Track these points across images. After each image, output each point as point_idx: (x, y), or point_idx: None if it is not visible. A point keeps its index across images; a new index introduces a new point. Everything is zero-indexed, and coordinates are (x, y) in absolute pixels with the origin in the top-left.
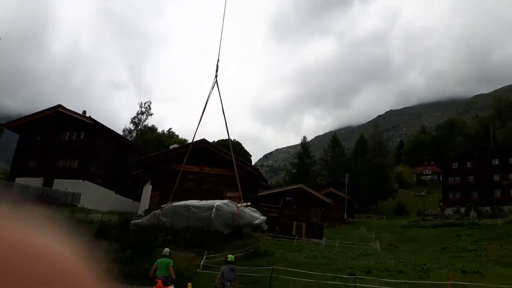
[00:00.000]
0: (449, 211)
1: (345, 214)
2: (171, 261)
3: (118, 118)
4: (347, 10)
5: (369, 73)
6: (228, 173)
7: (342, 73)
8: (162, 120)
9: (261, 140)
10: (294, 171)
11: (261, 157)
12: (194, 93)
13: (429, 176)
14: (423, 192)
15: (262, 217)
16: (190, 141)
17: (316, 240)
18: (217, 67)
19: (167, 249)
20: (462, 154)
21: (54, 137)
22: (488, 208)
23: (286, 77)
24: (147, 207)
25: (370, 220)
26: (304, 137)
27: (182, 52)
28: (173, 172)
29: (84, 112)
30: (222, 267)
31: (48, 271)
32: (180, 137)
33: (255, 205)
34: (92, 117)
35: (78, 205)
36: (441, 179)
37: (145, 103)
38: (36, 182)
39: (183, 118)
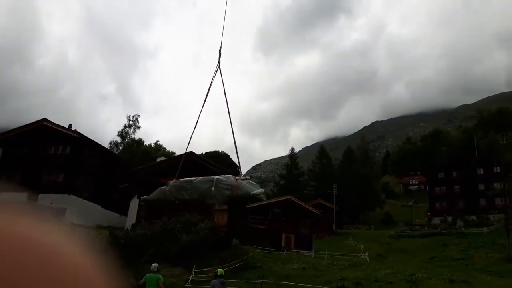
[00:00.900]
0: (436, 220)
1: (334, 225)
2: (161, 276)
3: (105, 131)
4: (333, 24)
5: (355, 84)
6: None
7: (328, 85)
8: (149, 133)
9: (250, 151)
10: (282, 182)
11: (250, 168)
12: (182, 106)
13: (416, 186)
14: (411, 202)
15: (260, 189)
16: (177, 153)
17: (305, 252)
18: (220, 53)
19: (155, 264)
20: (447, 164)
21: (39, 151)
22: (474, 217)
23: (273, 89)
24: (134, 221)
25: (359, 230)
26: (292, 149)
27: (170, 65)
28: (161, 186)
29: (70, 125)
30: (213, 281)
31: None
32: (167, 149)
33: (244, 216)
34: (78, 130)
35: (63, 220)
36: (427, 189)
37: (132, 116)
38: (20, 197)
39: (171, 130)
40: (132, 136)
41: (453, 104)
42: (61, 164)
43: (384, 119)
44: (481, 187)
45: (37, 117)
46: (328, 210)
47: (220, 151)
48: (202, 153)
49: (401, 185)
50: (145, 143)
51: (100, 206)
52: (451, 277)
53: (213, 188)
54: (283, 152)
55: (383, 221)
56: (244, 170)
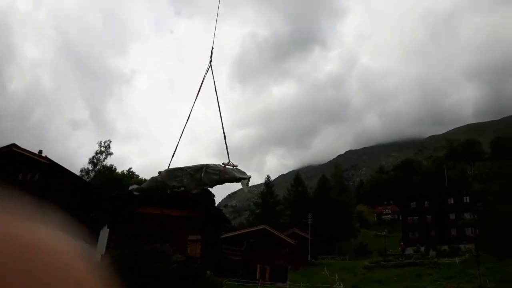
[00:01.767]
0: (409, 250)
1: (309, 256)
2: None
3: (76, 157)
4: (307, 55)
5: (329, 114)
6: (191, 215)
7: (303, 114)
8: (122, 159)
9: None
10: (258, 211)
11: (225, 197)
12: (156, 132)
13: (389, 216)
14: (384, 232)
15: (247, 175)
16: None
17: (280, 284)
18: (211, 53)
19: None
20: (419, 194)
21: (7, 177)
22: (446, 247)
23: (250, 117)
24: (103, 252)
25: (334, 261)
26: (268, 177)
27: (146, 90)
28: (132, 215)
29: (40, 151)
30: None
31: None
32: (140, 177)
33: (218, 247)
34: (49, 156)
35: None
36: (400, 218)
37: (104, 142)
38: None
39: (144, 157)
40: (104, 162)
41: (424, 134)
42: (30, 191)
43: (357, 148)
44: (452, 216)
45: (5, 143)
46: (304, 239)
47: None
48: None
49: (375, 215)
50: (117, 170)
51: (69, 235)
52: None
53: (202, 174)
54: (259, 180)
55: (358, 251)
56: (219, 198)
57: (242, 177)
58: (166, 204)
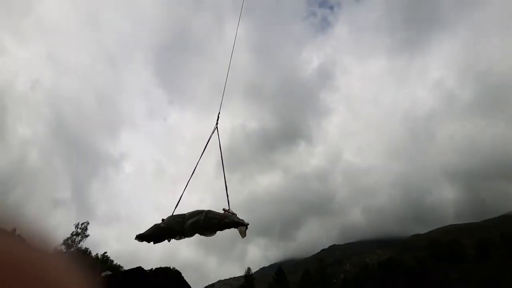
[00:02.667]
0: None
1: None
2: None
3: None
4: (294, 148)
5: (314, 207)
6: None
7: (288, 205)
8: (99, 242)
9: (204, 268)
10: None
11: None
12: (136, 218)
13: None
14: None
15: (246, 222)
16: (125, 268)
17: None
18: (218, 117)
19: None
20: None
21: None
22: None
23: (234, 205)
24: None
25: None
26: (249, 269)
27: (132, 175)
28: None
29: (14, 229)
30: None
31: None
32: (115, 262)
33: None
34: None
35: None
36: None
37: (81, 224)
38: None
39: (121, 242)
40: (79, 245)
41: (407, 232)
42: None
43: (342, 243)
44: None
45: None
46: None
47: (171, 267)
48: (152, 268)
49: None
50: (92, 254)
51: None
52: None
53: (202, 218)
54: (239, 271)
55: None
56: None
57: (241, 223)
58: None
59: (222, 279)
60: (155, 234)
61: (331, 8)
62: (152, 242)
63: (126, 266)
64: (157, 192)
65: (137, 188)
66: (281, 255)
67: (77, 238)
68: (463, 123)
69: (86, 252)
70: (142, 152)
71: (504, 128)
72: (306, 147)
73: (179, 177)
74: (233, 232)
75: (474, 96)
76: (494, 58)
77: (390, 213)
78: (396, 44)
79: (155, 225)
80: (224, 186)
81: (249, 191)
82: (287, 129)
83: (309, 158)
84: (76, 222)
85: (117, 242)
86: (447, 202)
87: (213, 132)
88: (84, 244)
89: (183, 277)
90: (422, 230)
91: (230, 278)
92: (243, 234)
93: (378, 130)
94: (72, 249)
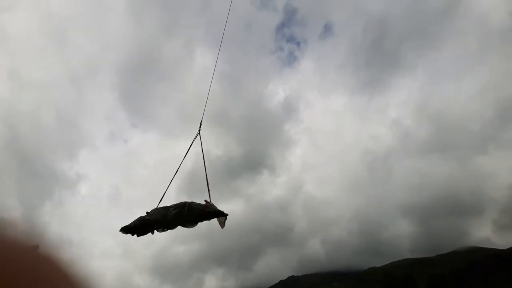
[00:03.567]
0: None
1: None
2: None
3: None
4: (257, 177)
5: (274, 237)
6: None
7: (248, 234)
8: None
9: None
10: None
11: None
12: (88, 243)
13: None
14: None
15: (225, 213)
16: None
17: None
18: (200, 124)
19: None
20: None
21: None
22: None
23: (193, 233)
24: None
25: None
26: None
27: (88, 197)
28: None
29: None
30: None
31: None
32: None
33: None
34: None
35: None
36: None
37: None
38: None
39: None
40: None
41: (364, 265)
42: None
43: (300, 274)
44: None
45: None
46: None
47: None
48: None
49: None
50: None
51: None
52: None
53: (186, 209)
54: None
55: None
56: None
57: (221, 212)
58: None
59: None
60: (139, 226)
61: (298, 44)
62: (136, 235)
63: None
64: (112, 217)
65: (92, 212)
66: (238, 285)
67: None
68: (418, 160)
69: None
70: (100, 174)
71: (456, 167)
72: (269, 177)
73: (136, 202)
74: (191, 258)
75: (429, 135)
76: (447, 100)
77: (347, 246)
78: (357, 83)
79: (140, 217)
80: (206, 181)
81: None
82: (251, 158)
83: (271, 188)
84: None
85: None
86: (403, 237)
87: (195, 138)
88: None
89: None
90: (378, 263)
91: None
92: (222, 224)
93: (338, 163)
94: None
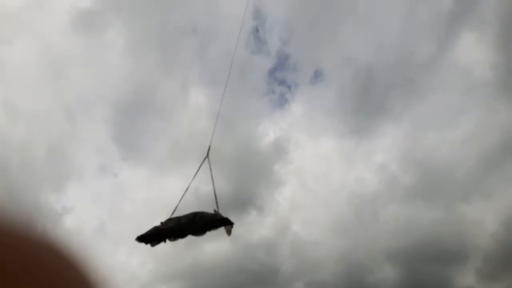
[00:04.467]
0: None
1: None
2: None
3: None
4: (244, 217)
5: (258, 277)
6: None
7: (233, 274)
8: None
9: None
10: None
11: None
12: None
13: None
14: None
15: (232, 222)
16: None
17: None
18: (209, 149)
19: None
20: None
21: None
22: None
23: (177, 271)
24: None
25: None
26: None
27: (69, 232)
28: None
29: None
30: None
31: None
32: None
33: None
34: None
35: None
36: None
37: None
38: None
39: None
40: None
41: None
42: None
43: None
44: None
45: None
46: None
47: None
48: None
49: None
50: None
51: None
52: None
53: (197, 216)
54: None
55: None
56: None
57: (228, 220)
58: None
59: None
60: (154, 234)
61: (289, 87)
62: (149, 245)
63: None
64: (95, 252)
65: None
66: None
67: None
68: (404, 206)
69: None
70: (86, 207)
71: (442, 214)
72: (257, 217)
73: (120, 238)
74: None
75: (414, 181)
76: (432, 148)
77: None
78: (345, 128)
79: (154, 226)
80: (214, 194)
81: (193, 257)
82: (239, 197)
83: (258, 228)
84: None
85: None
86: (387, 281)
87: (203, 161)
88: None
89: None
90: None
91: None
92: (229, 232)
93: (325, 205)
94: None
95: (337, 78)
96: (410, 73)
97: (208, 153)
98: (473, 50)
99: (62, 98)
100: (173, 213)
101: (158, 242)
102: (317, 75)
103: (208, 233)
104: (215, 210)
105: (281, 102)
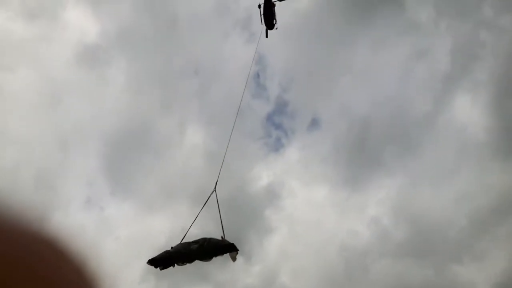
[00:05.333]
0: None
1: None
2: None
3: None
4: (229, 264)
5: None
6: None
7: None
8: None
9: None
10: None
11: None
12: None
13: None
14: None
15: (237, 248)
16: None
17: None
18: (216, 184)
19: None
20: None
21: None
22: None
23: None
24: None
25: None
26: None
27: None
28: None
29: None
30: None
31: None
32: None
33: None
34: None
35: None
36: None
37: None
38: None
39: None
40: None
41: None
42: None
43: None
44: None
45: None
46: None
47: None
48: None
49: None
50: None
51: None
52: None
53: (206, 242)
54: None
55: None
56: None
57: (235, 247)
58: None
59: None
60: (164, 258)
61: (286, 132)
62: (159, 268)
63: None
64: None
65: None
66: None
67: None
68: (395, 262)
69: None
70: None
71: (433, 272)
72: (244, 265)
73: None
74: None
75: (406, 238)
76: (425, 205)
77: None
78: (339, 178)
79: (166, 250)
80: (220, 222)
81: None
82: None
83: (244, 277)
84: None
85: None
86: None
87: (210, 195)
88: None
89: None
90: None
91: None
92: (234, 259)
93: (315, 255)
94: None
95: (333, 128)
96: (405, 128)
97: (215, 188)
98: (468, 111)
99: (57, 128)
100: (183, 238)
101: (167, 266)
102: (314, 123)
103: (214, 259)
104: (222, 237)
105: (277, 146)
